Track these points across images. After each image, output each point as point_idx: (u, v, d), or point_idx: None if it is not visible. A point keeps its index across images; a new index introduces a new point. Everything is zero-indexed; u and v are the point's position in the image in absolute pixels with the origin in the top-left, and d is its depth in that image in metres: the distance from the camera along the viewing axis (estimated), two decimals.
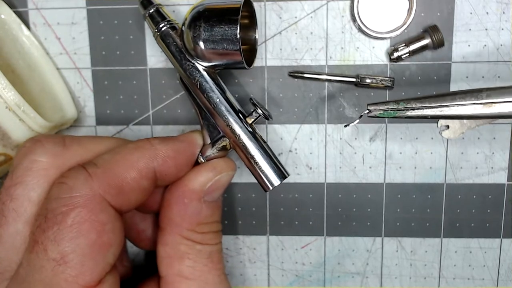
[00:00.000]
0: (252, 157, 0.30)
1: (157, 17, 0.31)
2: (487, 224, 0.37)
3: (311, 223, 0.38)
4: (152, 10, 0.31)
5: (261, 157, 0.30)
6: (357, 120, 0.30)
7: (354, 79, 0.35)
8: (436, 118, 0.29)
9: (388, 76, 0.35)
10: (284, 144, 0.37)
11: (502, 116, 0.28)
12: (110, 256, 0.26)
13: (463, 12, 0.34)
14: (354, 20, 0.34)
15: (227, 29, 0.29)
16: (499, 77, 0.35)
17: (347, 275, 0.38)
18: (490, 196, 0.36)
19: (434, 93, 0.35)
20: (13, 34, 0.35)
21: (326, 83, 0.35)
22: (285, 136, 0.36)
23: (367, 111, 0.29)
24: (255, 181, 0.33)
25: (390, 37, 0.34)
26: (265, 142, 0.31)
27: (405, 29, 0.34)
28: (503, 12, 0.34)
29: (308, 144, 0.36)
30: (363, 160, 0.36)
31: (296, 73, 0.35)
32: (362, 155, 0.36)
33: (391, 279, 0.38)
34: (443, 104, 0.28)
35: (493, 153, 0.36)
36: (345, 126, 0.32)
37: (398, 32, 0.34)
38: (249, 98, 0.32)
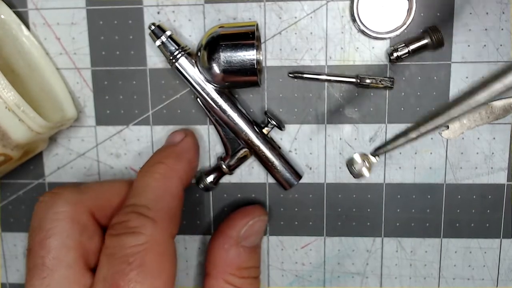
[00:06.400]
0: (272, 163, 0.34)
1: (170, 45, 0.33)
2: (487, 224, 0.37)
3: (311, 223, 0.38)
4: (165, 38, 0.33)
5: (279, 163, 0.35)
6: None
7: (353, 80, 0.35)
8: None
9: (387, 76, 0.35)
10: (284, 144, 0.37)
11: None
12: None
13: (462, 12, 0.34)
14: (354, 20, 0.34)
15: (244, 53, 0.31)
16: None
17: (347, 275, 0.38)
18: (490, 197, 0.36)
19: (434, 93, 0.35)
20: (13, 34, 0.35)
21: (326, 84, 0.35)
22: (285, 136, 0.36)
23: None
24: (254, 181, 0.33)
25: (389, 37, 0.34)
26: (280, 148, 0.35)
27: (405, 29, 0.34)
28: (503, 12, 0.34)
29: (308, 145, 0.36)
30: None
31: (295, 74, 0.35)
32: None
33: (391, 279, 0.38)
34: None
35: (493, 153, 0.36)
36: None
37: (397, 32, 0.34)
38: (264, 112, 0.35)
